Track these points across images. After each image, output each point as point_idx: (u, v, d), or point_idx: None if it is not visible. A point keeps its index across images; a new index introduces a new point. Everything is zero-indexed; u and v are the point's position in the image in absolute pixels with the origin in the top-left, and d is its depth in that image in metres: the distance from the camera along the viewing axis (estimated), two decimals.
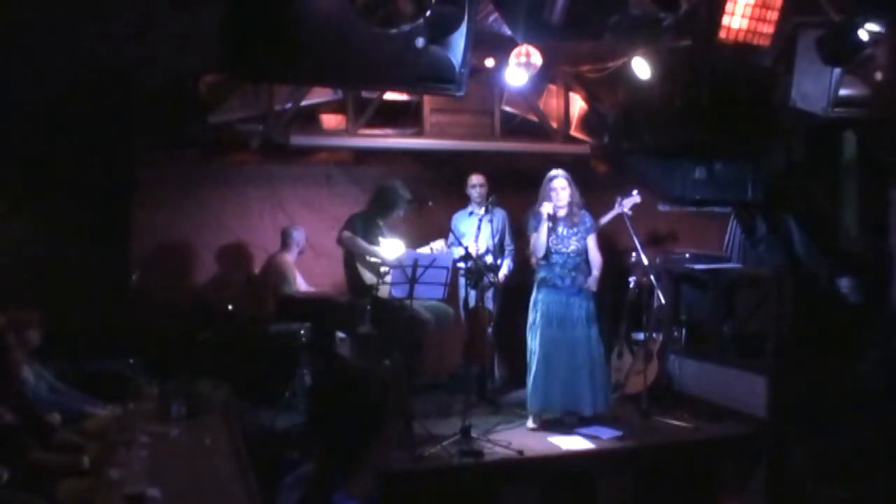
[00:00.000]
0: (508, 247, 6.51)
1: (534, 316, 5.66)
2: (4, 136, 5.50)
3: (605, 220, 6.31)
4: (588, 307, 5.65)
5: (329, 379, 2.11)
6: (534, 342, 5.64)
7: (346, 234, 5.84)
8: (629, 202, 6.18)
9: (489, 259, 6.20)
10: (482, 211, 6.33)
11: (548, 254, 5.62)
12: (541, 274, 5.69)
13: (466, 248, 5.90)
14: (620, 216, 6.16)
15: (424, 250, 5.96)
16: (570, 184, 5.61)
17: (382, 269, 5.68)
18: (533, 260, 5.78)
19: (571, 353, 5.57)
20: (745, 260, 7.25)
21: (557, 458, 5.19)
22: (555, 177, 5.61)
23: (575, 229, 5.64)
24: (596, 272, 5.69)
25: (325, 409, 1.98)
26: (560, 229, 5.62)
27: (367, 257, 5.81)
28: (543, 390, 5.57)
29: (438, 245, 5.99)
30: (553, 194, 5.58)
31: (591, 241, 5.72)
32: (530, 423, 5.66)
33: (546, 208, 5.52)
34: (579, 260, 5.65)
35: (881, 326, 6.35)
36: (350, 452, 1.93)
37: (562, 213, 5.61)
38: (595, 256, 5.72)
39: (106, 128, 5.72)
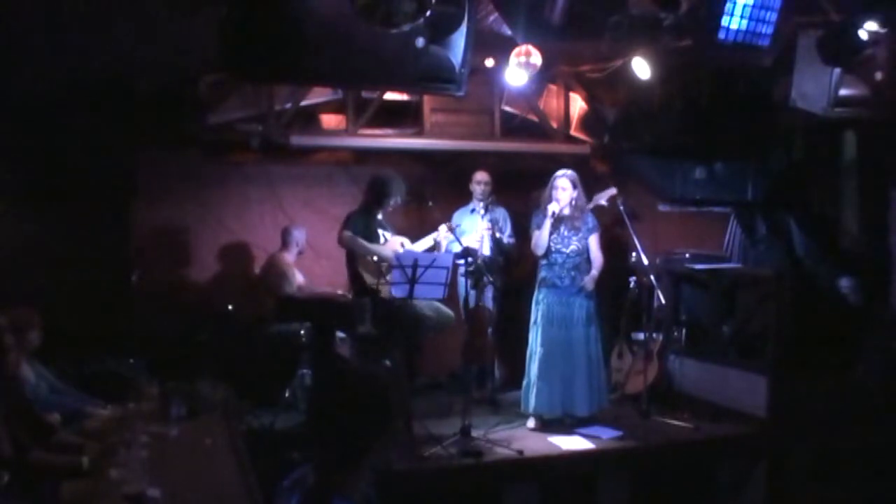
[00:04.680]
0: (510, 238, 6.50)
1: (535, 315, 5.68)
2: (5, 136, 5.50)
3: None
4: (588, 307, 5.65)
5: (329, 379, 2.10)
6: (535, 341, 5.66)
7: (347, 233, 5.77)
8: (605, 195, 6.06)
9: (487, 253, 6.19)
10: (484, 209, 6.32)
11: (548, 253, 5.63)
12: (541, 273, 5.70)
13: (466, 248, 5.89)
14: (604, 209, 6.08)
15: (427, 241, 5.97)
16: (574, 185, 5.60)
17: (383, 266, 5.67)
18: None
19: (570, 353, 5.58)
20: (745, 260, 7.25)
21: (557, 458, 5.19)
22: (559, 176, 5.62)
23: (576, 230, 5.64)
24: (595, 272, 5.68)
25: (324, 410, 1.98)
26: (562, 229, 5.63)
27: (368, 257, 5.80)
28: (544, 390, 5.57)
29: (442, 231, 5.98)
30: (554, 192, 5.58)
31: (594, 241, 5.72)
32: (530, 423, 5.67)
33: (553, 207, 5.53)
34: (579, 260, 5.66)
35: (881, 326, 6.35)
36: (349, 453, 1.92)
37: (564, 212, 5.62)
38: (597, 256, 5.72)
39: (107, 128, 5.72)
